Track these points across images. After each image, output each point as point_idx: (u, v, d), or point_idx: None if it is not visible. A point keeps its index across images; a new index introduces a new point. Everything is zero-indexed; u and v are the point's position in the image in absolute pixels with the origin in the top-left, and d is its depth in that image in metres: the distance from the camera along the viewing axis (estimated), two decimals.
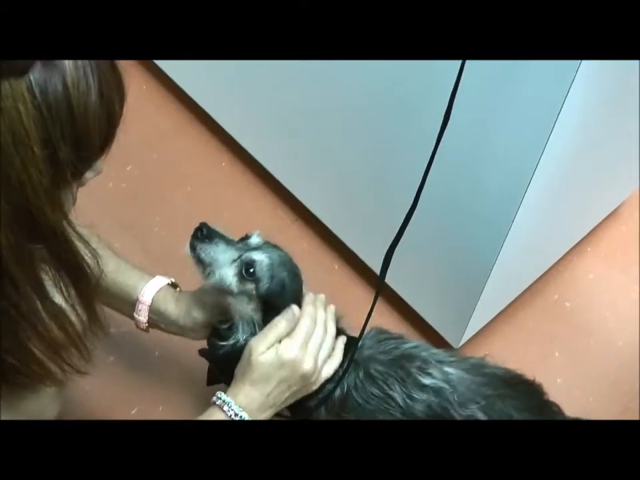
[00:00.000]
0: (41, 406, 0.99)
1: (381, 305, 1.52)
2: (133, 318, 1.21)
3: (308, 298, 1.10)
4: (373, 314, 1.48)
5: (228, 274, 1.06)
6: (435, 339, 1.49)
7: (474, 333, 1.48)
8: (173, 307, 1.17)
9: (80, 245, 0.83)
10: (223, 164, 1.77)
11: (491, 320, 1.52)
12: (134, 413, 1.40)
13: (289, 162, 1.63)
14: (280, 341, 1.04)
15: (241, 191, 1.73)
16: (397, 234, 1.03)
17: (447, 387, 1.09)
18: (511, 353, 1.47)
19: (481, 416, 1.08)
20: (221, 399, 1.03)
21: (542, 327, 1.59)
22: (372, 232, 1.51)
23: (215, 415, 1.02)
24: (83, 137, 0.76)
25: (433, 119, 1.02)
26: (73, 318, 0.85)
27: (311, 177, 1.59)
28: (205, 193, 1.72)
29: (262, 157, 1.69)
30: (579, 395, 1.50)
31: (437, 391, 1.09)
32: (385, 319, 1.54)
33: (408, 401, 1.09)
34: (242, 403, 1.02)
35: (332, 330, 1.10)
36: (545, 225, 1.38)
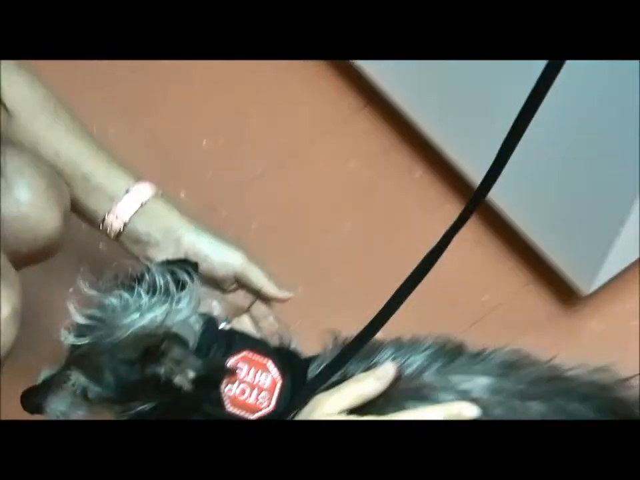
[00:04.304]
0: None
1: (486, 237, 1.29)
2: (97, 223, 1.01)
3: None
4: (472, 244, 1.26)
5: None
6: (557, 283, 1.25)
7: (608, 279, 1.22)
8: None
9: None
10: None
11: (630, 265, 1.25)
12: None
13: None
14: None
15: (299, 76, 1.41)
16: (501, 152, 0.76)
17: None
18: None
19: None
20: None
21: None
22: (466, 126, 1.21)
23: None
24: None
25: None
26: None
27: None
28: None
29: None
30: None
31: None
32: (493, 256, 1.29)
33: None
34: None
35: None
36: None
